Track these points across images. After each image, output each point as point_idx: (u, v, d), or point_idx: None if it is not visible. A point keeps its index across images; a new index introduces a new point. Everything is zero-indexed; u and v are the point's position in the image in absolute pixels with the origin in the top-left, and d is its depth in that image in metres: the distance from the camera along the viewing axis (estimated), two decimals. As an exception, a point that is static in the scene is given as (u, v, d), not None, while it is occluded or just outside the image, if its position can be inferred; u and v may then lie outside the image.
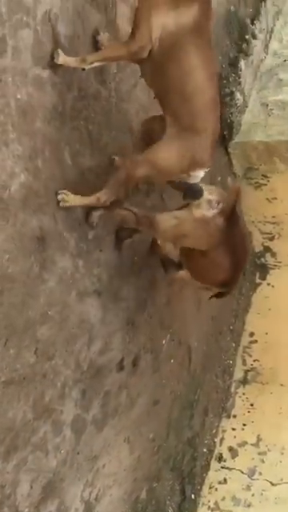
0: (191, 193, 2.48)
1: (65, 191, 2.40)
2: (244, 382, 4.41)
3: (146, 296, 3.17)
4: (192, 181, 2.47)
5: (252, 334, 4.65)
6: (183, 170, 2.42)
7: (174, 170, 2.42)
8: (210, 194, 2.52)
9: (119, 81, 2.76)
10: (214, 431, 4.17)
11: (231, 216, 2.53)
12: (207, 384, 4.11)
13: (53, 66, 2.27)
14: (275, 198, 4.48)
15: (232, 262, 2.64)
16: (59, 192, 2.38)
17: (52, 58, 2.26)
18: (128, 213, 2.64)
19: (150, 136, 2.48)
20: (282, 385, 4.27)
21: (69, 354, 2.55)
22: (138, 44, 2.26)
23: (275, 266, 4.91)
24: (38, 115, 2.25)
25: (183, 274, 2.86)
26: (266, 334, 4.60)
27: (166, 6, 2.22)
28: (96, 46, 2.53)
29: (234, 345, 4.55)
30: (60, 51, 2.29)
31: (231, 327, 4.53)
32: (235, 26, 4.15)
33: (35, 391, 2.36)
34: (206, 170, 2.49)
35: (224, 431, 4.20)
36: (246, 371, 4.47)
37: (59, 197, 2.38)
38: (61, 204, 2.39)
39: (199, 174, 2.47)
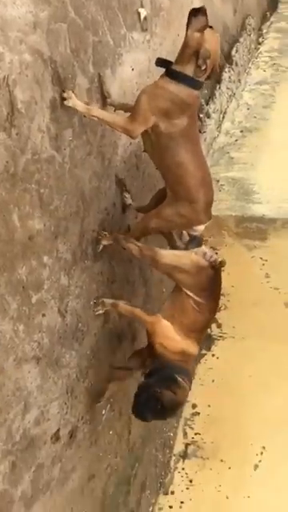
0: (194, 241, 3.06)
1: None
2: (184, 456, 4.30)
3: (87, 364, 3.09)
4: (194, 233, 3.07)
5: (194, 406, 4.58)
6: (184, 225, 3.05)
7: (176, 224, 3.03)
8: (206, 249, 3.08)
9: (74, 148, 2.79)
10: (151, 509, 3.99)
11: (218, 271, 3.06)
12: (146, 458, 3.97)
13: (7, 128, 2.28)
14: (223, 271, 4.55)
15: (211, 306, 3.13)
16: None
17: (8, 120, 2.28)
18: (133, 245, 3.05)
19: (159, 199, 3.09)
20: (222, 460, 4.18)
21: (0, 424, 2.41)
22: (134, 130, 2.76)
23: (220, 337, 4.93)
24: (-12, 176, 2.23)
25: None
26: (209, 406, 4.54)
27: (162, 114, 2.72)
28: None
29: (175, 416, 4.45)
30: (72, 94, 2.60)
31: (174, 398, 4.45)
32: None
33: None
34: (206, 224, 3.07)
35: (160, 509, 4.04)
36: (187, 445, 4.36)
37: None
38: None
39: (200, 228, 3.07)
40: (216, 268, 3.03)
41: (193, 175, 2.89)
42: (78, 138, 2.83)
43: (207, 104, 4.59)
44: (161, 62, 2.80)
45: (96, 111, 2.76)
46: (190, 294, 3.01)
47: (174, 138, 2.77)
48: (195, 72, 2.71)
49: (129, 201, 3.35)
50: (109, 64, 3.05)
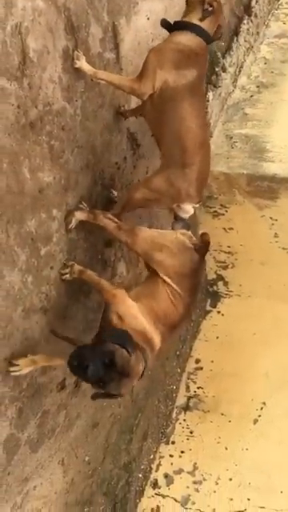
0: (181, 223, 2.83)
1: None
2: (186, 408, 4.42)
3: (93, 317, 3.13)
4: (182, 215, 2.86)
5: (198, 361, 4.68)
6: (173, 197, 2.82)
7: (165, 195, 2.80)
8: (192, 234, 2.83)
9: (86, 99, 2.75)
10: (152, 457, 4.13)
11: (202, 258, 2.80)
12: (149, 408, 4.08)
13: (18, 78, 2.24)
14: (232, 229, 4.55)
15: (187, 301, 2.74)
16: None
17: (20, 69, 2.23)
18: (109, 221, 2.80)
19: None
20: (222, 414, 4.30)
21: (8, 372, 2.48)
22: (142, 88, 2.68)
23: (227, 294, 4.98)
24: (-1, 126, 2.21)
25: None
26: (212, 361, 4.63)
27: (170, 66, 2.65)
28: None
29: (179, 370, 4.56)
30: (82, 56, 2.58)
31: (178, 352, 4.54)
32: (206, 57, 4.22)
33: None
34: (196, 206, 2.86)
35: (161, 457, 4.18)
36: (189, 398, 4.47)
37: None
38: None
39: (189, 209, 2.86)
40: (201, 251, 2.77)
41: (193, 134, 2.72)
42: (91, 89, 2.78)
43: (223, 57, 4.45)
44: (166, 24, 2.78)
45: (102, 73, 2.71)
46: (168, 280, 2.69)
47: (180, 92, 2.66)
48: (203, 16, 2.68)
49: None
50: (124, 12, 2.96)
